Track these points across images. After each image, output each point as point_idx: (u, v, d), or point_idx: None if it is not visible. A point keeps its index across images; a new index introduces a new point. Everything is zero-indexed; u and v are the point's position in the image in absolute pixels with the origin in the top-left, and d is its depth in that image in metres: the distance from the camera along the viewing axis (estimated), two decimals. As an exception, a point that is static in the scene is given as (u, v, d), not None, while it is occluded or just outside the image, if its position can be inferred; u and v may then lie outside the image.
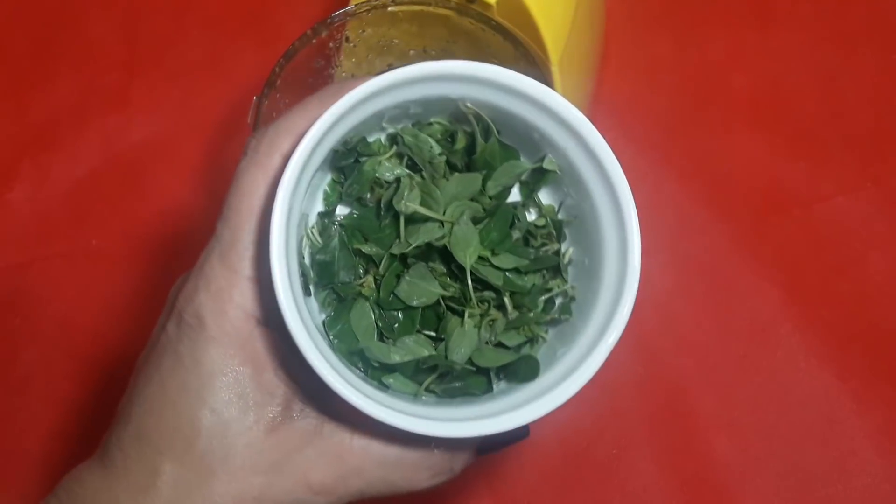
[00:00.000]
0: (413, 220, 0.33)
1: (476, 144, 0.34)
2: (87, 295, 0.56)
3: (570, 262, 0.34)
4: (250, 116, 0.44)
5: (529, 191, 0.35)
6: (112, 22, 0.61)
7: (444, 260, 0.33)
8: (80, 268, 0.56)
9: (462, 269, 0.32)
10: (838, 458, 0.50)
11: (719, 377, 0.52)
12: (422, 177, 0.34)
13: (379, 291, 0.33)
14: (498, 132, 0.34)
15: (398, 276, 0.33)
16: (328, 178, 0.35)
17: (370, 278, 0.33)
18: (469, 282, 0.32)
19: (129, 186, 0.58)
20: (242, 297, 0.31)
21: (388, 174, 0.34)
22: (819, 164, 0.56)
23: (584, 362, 0.31)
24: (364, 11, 0.46)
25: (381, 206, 0.33)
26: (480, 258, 0.33)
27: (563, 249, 0.35)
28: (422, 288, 0.32)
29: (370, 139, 0.34)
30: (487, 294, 0.33)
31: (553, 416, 0.51)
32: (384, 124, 0.34)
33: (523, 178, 0.35)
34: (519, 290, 0.33)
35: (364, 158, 0.34)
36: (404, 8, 0.46)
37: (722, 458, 0.50)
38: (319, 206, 0.35)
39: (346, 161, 0.34)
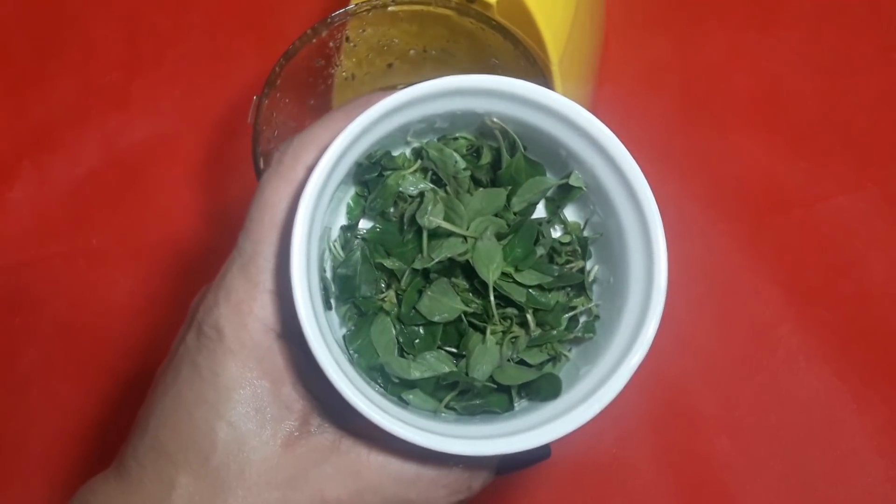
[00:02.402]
0: (436, 234, 0.33)
1: (502, 160, 0.34)
2: (87, 295, 0.56)
3: (594, 280, 0.34)
4: (250, 116, 0.44)
5: (555, 207, 0.35)
6: (112, 21, 0.61)
7: (466, 276, 0.33)
8: (79, 267, 0.56)
9: (485, 285, 0.32)
10: (839, 458, 0.50)
11: (720, 377, 0.52)
12: (446, 192, 0.34)
13: (400, 306, 0.33)
14: (524, 148, 0.34)
15: (420, 292, 0.32)
16: (352, 191, 0.34)
17: (392, 293, 0.33)
18: (492, 298, 0.32)
19: (129, 186, 0.57)
20: (263, 309, 0.31)
21: (411, 188, 0.33)
22: (819, 164, 0.56)
23: (607, 382, 0.31)
24: (364, 11, 0.46)
25: (405, 220, 0.33)
26: (504, 274, 0.32)
27: (588, 267, 0.34)
28: (444, 303, 0.32)
29: (395, 153, 0.34)
30: (510, 311, 0.33)
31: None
32: (409, 138, 0.34)
33: (549, 194, 0.35)
34: (542, 308, 0.33)
35: (388, 172, 0.34)
36: (405, 7, 0.46)
37: (722, 458, 0.50)
38: (343, 220, 0.34)
39: (371, 175, 0.34)
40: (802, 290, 0.53)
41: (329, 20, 0.45)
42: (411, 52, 0.49)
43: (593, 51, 0.54)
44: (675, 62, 0.59)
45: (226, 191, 0.56)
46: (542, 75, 0.44)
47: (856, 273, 0.54)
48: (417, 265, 0.32)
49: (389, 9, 0.46)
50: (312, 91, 0.48)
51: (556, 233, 0.35)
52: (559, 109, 0.32)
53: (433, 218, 0.32)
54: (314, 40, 0.45)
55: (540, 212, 0.35)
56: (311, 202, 0.30)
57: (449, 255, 0.32)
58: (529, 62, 0.44)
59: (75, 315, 0.56)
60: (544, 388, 0.32)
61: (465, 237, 0.32)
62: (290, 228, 0.29)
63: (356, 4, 0.46)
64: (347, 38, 0.47)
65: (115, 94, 0.59)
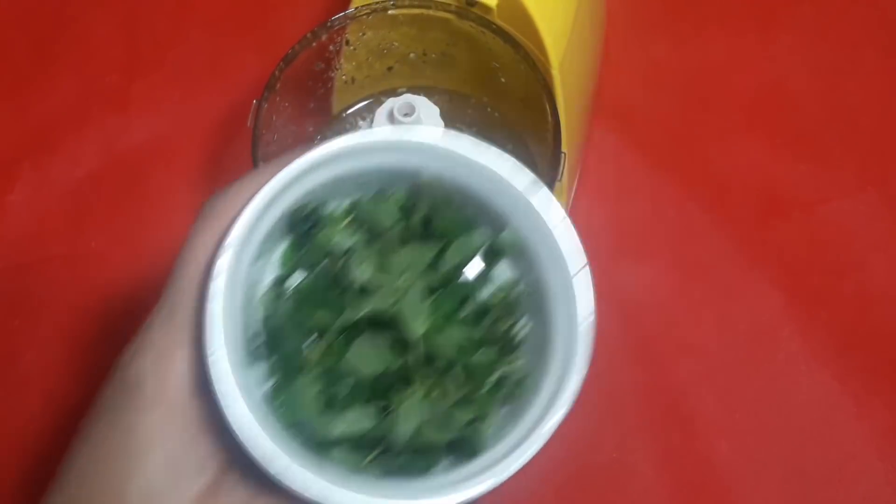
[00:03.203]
0: (365, 288, 0.32)
1: (434, 217, 0.34)
2: (87, 297, 0.56)
3: (524, 338, 0.34)
4: (250, 119, 0.44)
5: (487, 265, 0.35)
6: (112, 23, 0.61)
7: (393, 330, 0.33)
8: (79, 270, 0.56)
9: (411, 340, 0.32)
10: (839, 461, 0.50)
11: (720, 380, 0.52)
12: (377, 247, 0.34)
13: (326, 361, 0.32)
14: (458, 204, 0.34)
15: (346, 346, 0.32)
16: (285, 243, 0.34)
17: (318, 347, 0.32)
18: (418, 353, 0.32)
19: (128, 188, 0.57)
20: (183, 363, 0.30)
21: (343, 242, 0.34)
22: (820, 167, 0.56)
23: (526, 442, 0.30)
24: (364, 14, 0.46)
25: (334, 274, 0.33)
26: (430, 330, 0.32)
27: (518, 325, 0.34)
28: (369, 358, 0.32)
29: (329, 206, 0.34)
30: (436, 367, 0.33)
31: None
32: (344, 193, 0.34)
33: (482, 251, 0.35)
34: (469, 365, 0.33)
35: (320, 226, 0.34)
36: (404, 11, 0.46)
37: (723, 461, 0.50)
38: (274, 272, 0.34)
39: (302, 228, 0.34)
40: (803, 292, 0.53)
41: (329, 23, 0.45)
42: (411, 55, 0.49)
43: (594, 54, 0.53)
44: (676, 65, 0.59)
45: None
46: (542, 79, 0.44)
47: (856, 276, 0.54)
48: (344, 319, 0.32)
49: (389, 12, 0.46)
50: (312, 94, 0.48)
51: (488, 291, 0.35)
52: (491, 167, 0.32)
53: (362, 271, 0.32)
54: (314, 44, 0.45)
55: (473, 269, 0.35)
56: (231, 255, 0.30)
57: (376, 309, 0.32)
58: (529, 66, 0.44)
59: (75, 317, 0.56)
60: (468, 447, 0.32)
61: (393, 291, 0.32)
62: (209, 281, 0.30)
63: (356, 8, 0.46)
64: (347, 42, 0.47)
65: (114, 96, 0.59)
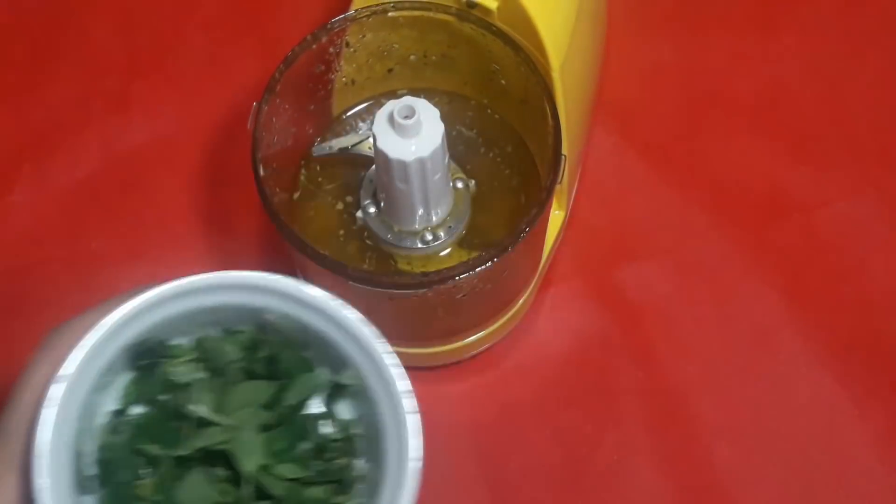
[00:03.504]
0: (201, 423, 0.33)
1: (278, 355, 0.35)
2: (88, 298, 0.56)
3: (359, 476, 0.35)
4: (250, 121, 0.44)
5: (328, 403, 0.36)
6: (112, 25, 0.61)
7: (228, 466, 0.33)
8: (79, 271, 0.56)
9: (243, 475, 0.33)
10: (840, 464, 0.50)
11: (720, 383, 0.52)
12: (218, 383, 0.34)
13: (158, 494, 0.33)
14: (300, 345, 0.35)
15: (178, 480, 0.33)
16: (128, 376, 0.35)
17: (150, 481, 0.33)
18: (249, 490, 0.33)
19: (129, 190, 0.57)
20: (12, 489, 0.31)
21: (184, 377, 0.34)
22: (821, 169, 0.56)
23: None
24: (364, 17, 0.46)
25: (174, 407, 0.34)
26: (263, 466, 0.33)
27: (354, 465, 0.35)
28: (199, 493, 0.33)
29: (174, 342, 0.35)
30: (269, 503, 0.33)
31: (553, 419, 0.51)
32: (189, 329, 0.35)
33: (322, 391, 0.36)
34: (300, 502, 0.33)
35: (163, 360, 0.34)
36: (405, 13, 0.46)
37: (723, 464, 0.50)
38: (114, 404, 0.35)
39: (145, 361, 0.34)
40: (803, 295, 0.53)
41: (329, 25, 0.45)
42: (411, 57, 0.49)
43: (594, 56, 0.53)
44: (677, 67, 0.59)
45: (225, 196, 0.56)
46: (542, 81, 0.44)
47: (857, 278, 0.54)
48: (177, 452, 0.33)
49: (389, 14, 0.46)
50: (312, 97, 0.48)
51: (329, 429, 0.36)
52: (326, 309, 0.34)
53: (198, 406, 0.33)
54: (314, 46, 0.45)
55: (315, 408, 0.36)
56: (65, 385, 0.31)
57: (208, 444, 0.33)
58: (530, 68, 0.44)
59: (75, 319, 0.56)
60: None
61: (229, 427, 0.33)
62: (39, 410, 0.30)
63: (356, 10, 0.46)
64: (347, 44, 0.47)
65: (114, 97, 0.59)
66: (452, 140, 0.49)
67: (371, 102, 0.51)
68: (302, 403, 0.35)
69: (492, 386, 0.52)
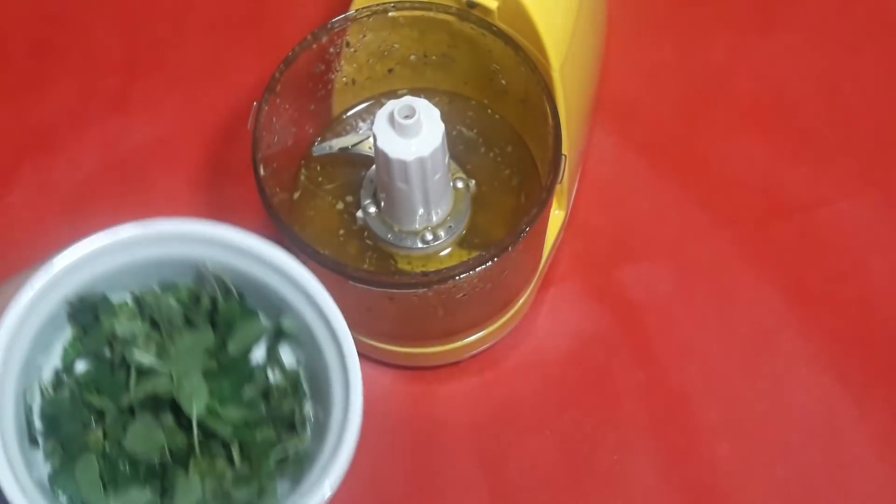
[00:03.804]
0: (145, 373, 0.34)
1: (218, 304, 0.35)
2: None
3: (307, 418, 0.36)
4: (250, 121, 0.44)
5: (271, 350, 0.37)
6: (112, 25, 0.61)
7: (174, 413, 0.34)
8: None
9: (190, 420, 0.33)
10: (840, 464, 0.50)
11: (721, 383, 0.52)
12: (162, 333, 0.35)
13: (106, 443, 0.33)
14: (240, 294, 0.36)
15: (125, 428, 0.33)
16: (70, 332, 0.35)
17: (99, 431, 0.34)
18: (195, 432, 0.33)
19: (129, 190, 0.57)
20: None
21: (126, 330, 0.35)
22: (821, 169, 0.56)
23: None
24: (365, 16, 0.46)
25: (117, 360, 0.34)
26: (209, 410, 0.33)
27: (304, 406, 0.36)
28: (147, 438, 0.33)
29: (115, 298, 0.35)
30: (215, 446, 0.34)
31: (553, 419, 0.51)
32: (129, 284, 0.35)
33: (266, 338, 0.36)
34: (248, 443, 0.34)
35: (104, 315, 0.35)
36: (405, 13, 0.46)
37: (723, 464, 0.50)
38: (58, 361, 0.35)
39: (86, 317, 0.35)
40: (803, 295, 0.53)
41: (329, 25, 0.45)
42: (412, 57, 0.49)
43: (595, 55, 0.53)
44: (677, 66, 0.59)
45: (226, 195, 0.56)
46: (543, 81, 0.44)
47: (857, 278, 0.54)
48: (124, 401, 0.33)
49: (390, 14, 0.46)
50: (313, 96, 0.48)
51: (274, 375, 0.37)
52: (265, 256, 0.34)
53: (142, 355, 0.33)
54: (314, 46, 0.45)
55: (257, 354, 0.37)
56: (4, 342, 0.31)
57: (152, 391, 0.33)
58: (530, 68, 0.44)
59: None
60: None
61: (172, 373, 0.34)
62: None
63: (356, 10, 0.46)
64: (348, 44, 0.47)
65: (114, 98, 0.59)
66: (452, 140, 0.49)
67: (371, 102, 0.51)
68: (245, 350, 0.36)
69: (492, 386, 0.52)
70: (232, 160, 0.57)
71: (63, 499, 0.33)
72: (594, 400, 0.52)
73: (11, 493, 0.30)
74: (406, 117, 0.40)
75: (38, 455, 0.34)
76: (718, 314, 0.53)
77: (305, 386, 0.36)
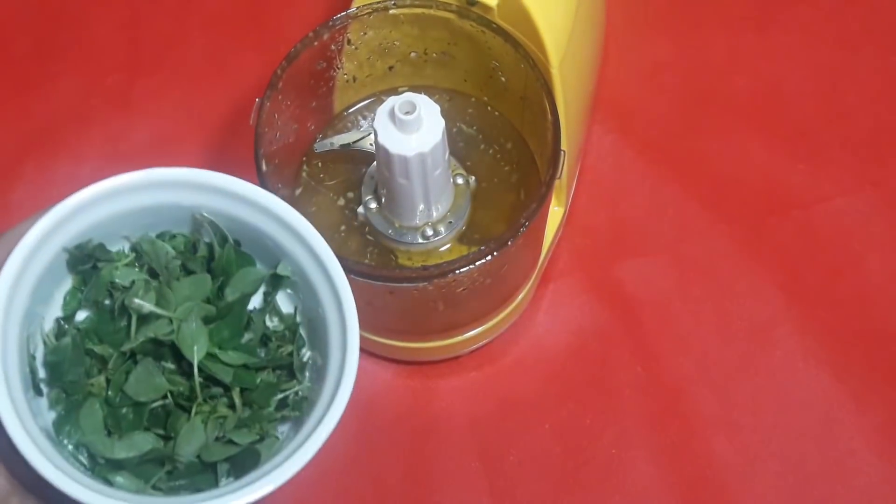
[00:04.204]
0: (145, 319, 0.34)
1: (215, 252, 0.36)
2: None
3: (306, 363, 0.36)
4: (252, 118, 0.44)
5: (268, 296, 0.37)
6: (114, 23, 0.61)
7: (175, 358, 0.34)
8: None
9: (191, 365, 0.34)
10: (837, 458, 0.50)
11: (718, 378, 0.52)
12: (159, 282, 0.35)
13: (109, 389, 0.34)
14: (236, 241, 0.36)
15: (128, 374, 0.34)
16: (69, 282, 0.36)
17: (101, 377, 0.34)
18: (196, 377, 0.34)
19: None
20: None
21: (125, 279, 0.35)
22: (818, 166, 0.57)
23: (298, 450, 0.32)
24: (366, 14, 0.46)
25: (117, 308, 0.35)
26: (210, 355, 0.34)
27: (300, 352, 0.36)
28: (149, 384, 0.33)
29: (112, 248, 0.36)
30: (216, 391, 0.35)
31: (552, 413, 0.51)
32: (126, 234, 0.36)
33: (262, 284, 0.37)
34: (249, 387, 0.35)
35: (102, 264, 0.35)
36: (406, 10, 0.46)
37: (721, 458, 0.50)
38: (58, 311, 0.36)
39: (85, 266, 0.35)
40: (801, 291, 0.54)
41: (330, 23, 0.46)
42: (412, 54, 0.49)
43: (594, 53, 0.54)
44: (675, 64, 0.59)
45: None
46: (542, 78, 0.44)
47: (854, 274, 0.54)
48: (124, 347, 0.34)
49: (391, 11, 0.46)
50: (314, 93, 0.49)
51: (272, 321, 0.37)
52: (263, 203, 0.34)
53: (142, 302, 0.34)
54: (316, 43, 0.46)
55: (255, 300, 0.37)
56: (5, 292, 0.31)
57: (154, 336, 0.33)
58: (529, 65, 0.45)
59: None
60: (246, 462, 0.34)
61: (171, 319, 0.34)
62: None
63: (357, 7, 0.46)
64: (349, 41, 0.47)
65: (117, 95, 0.59)
66: (453, 137, 0.49)
67: (372, 99, 0.51)
68: (243, 297, 0.36)
69: (491, 380, 0.52)
70: (234, 156, 0.57)
71: (68, 445, 0.33)
72: (593, 394, 0.52)
73: (19, 440, 0.30)
74: (407, 113, 0.41)
75: (43, 403, 0.34)
76: (716, 310, 0.54)
77: (303, 331, 0.37)
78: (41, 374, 0.34)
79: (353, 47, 0.48)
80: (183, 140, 0.58)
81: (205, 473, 0.34)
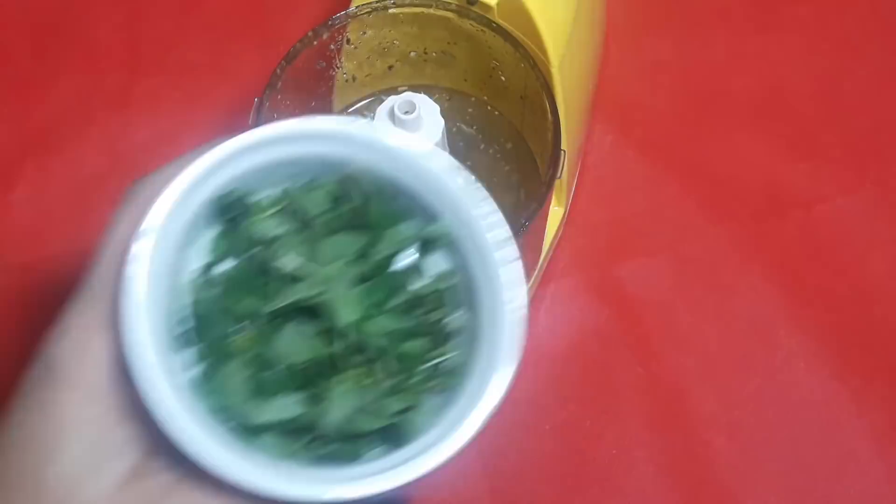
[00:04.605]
0: (293, 277, 0.32)
1: (366, 206, 0.34)
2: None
3: (457, 329, 0.34)
4: (251, 118, 0.44)
5: (419, 256, 0.35)
6: (114, 23, 0.61)
7: (321, 319, 0.33)
8: (82, 268, 0.56)
9: (339, 329, 0.32)
10: (838, 458, 0.50)
11: (719, 378, 0.52)
12: (306, 236, 0.33)
13: (254, 348, 0.32)
14: (388, 196, 0.34)
15: (274, 334, 0.32)
16: (213, 230, 0.34)
17: (246, 335, 0.32)
18: (347, 342, 0.32)
19: (131, 187, 0.58)
20: (103, 346, 0.30)
21: (271, 231, 0.33)
22: (819, 166, 0.57)
23: (456, 431, 0.30)
24: (365, 13, 0.46)
25: (263, 262, 0.33)
26: (360, 319, 0.32)
27: (450, 316, 0.34)
28: (297, 346, 0.32)
29: (259, 196, 0.34)
30: (365, 356, 0.33)
31: (553, 414, 0.51)
32: (273, 182, 0.34)
33: (413, 243, 0.35)
34: (398, 355, 0.33)
35: (249, 213, 0.34)
36: (405, 10, 0.46)
37: (721, 458, 0.50)
38: (202, 259, 0.34)
39: (231, 214, 0.33)
40: (801, 291, 0.54)
41: (330, 22, 0.46)
42: (412, 54, 0.49)
43: (594, 53, 0.54)
44: (675, 64, 0.59)
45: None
46: (542, 78, 0.44)
47: (855, 274, 0.54)
48: (272, 306, 0.32)
49: (390, 11, 0.46)
50: (313, 93, 0.49)
51: (420, 282, 0.35)
52: (419, 159, 0.32)
53: (290, 259, 0.32)
54: (315, 42, 0.46)
55: (405, 261, 0.35)
56: (150, 240, 0.30)
57: (304, 297, 0.32)
58: (529, 64, 0.45)
59: (77, 315, 0.56)
60: (397, 436, 0.32)
61: (321, 280, 0.32)
62: (125, 266, 0.29)
63: (357, 6, 0.46)
64: (348, 41, 0.47)
65: (117, 95, 0.59)
66: (452, 136, 0.49)
67: (372, 99, 0.51)
68: (392, 256, 0.34)
69: (492, 381, 0.52)
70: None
71: (209, 403, 0.31)
72: (593, 395, 0.52)
73: (161, 396, 0.28)
74: (406, 113, 0.41)
75: (182, 358, 0.32)
76: (717, 309, 0.53)
77: (454, 296, 0.34)
78: (183, 328, 0.32)
79: (353, 46, 0.48)
80: (182, 140, 0.58)
81: (351, 442, 0.32)
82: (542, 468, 0.50)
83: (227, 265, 0.33)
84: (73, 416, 0.29)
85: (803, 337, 0.52)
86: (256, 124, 0.43)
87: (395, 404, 0.32)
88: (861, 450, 0.50)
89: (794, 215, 0.55)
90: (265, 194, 0.34)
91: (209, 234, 0.34)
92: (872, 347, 0.52)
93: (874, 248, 0.55)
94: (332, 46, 0.47)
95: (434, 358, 0.33)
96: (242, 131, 0.41)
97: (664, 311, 0.54)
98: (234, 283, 0.33)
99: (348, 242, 0.33)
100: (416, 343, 0.33)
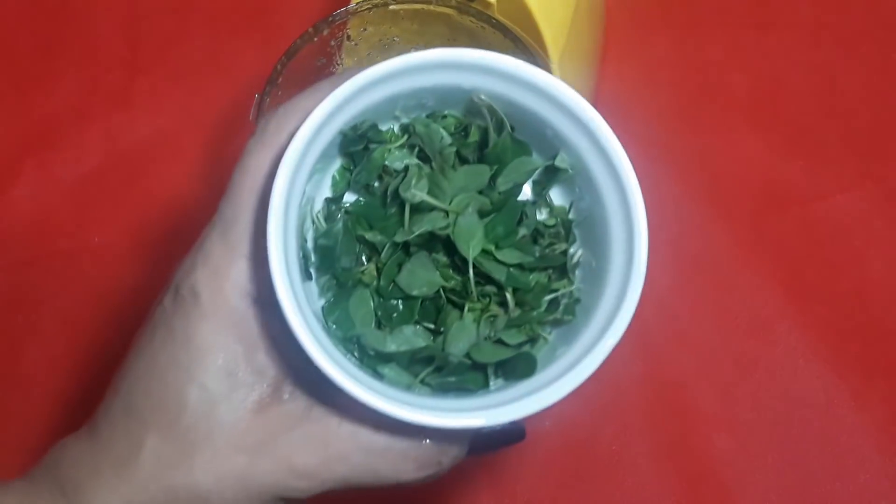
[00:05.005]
0: (419, 209, 0.32)
1: (489, 139, 0.34)
2: (90, 292, 0.57)
3: (577, 263, 0.34)
4: (252, 114, 0.44)
5: (541, 189, 0.35)
6: (115, 20, 0.62)
7: (447, 251, 0.33)
8: (82, 265, 0.57)
9: (465, 261, 0.32)
10: (837, 454, 0.50)
11: (718, 374, 0.52)
12: (431, 168, 0.33)
13: (380, 279, 0.32)
14: (512, 127, 0.33)
15: (400, 265, 0.32)
16: (338, 163, 0.34)
17: (372, 266, 0.33)
18: (471, 274, 0.32)
19: (131, 184, 0.58)
20: (239, 275, 0.31)
21: (397, 163, 0.33)
22: (818, 163, 0.57)
23: (581, 362, 0.31)
24: (365, 9, 0.46)
25: (388, 194, 0.33)
26: (484, 252, 0.32)
27: (572, 250, 0.34)
28: (422, 278, 0.32)
29: (383, 127, 0.34)
30: (489, 289, 0.33)
31: (553, 411, 0.51)
32: (398, 113, 0.34)
33: (535, 175, 0.34)
34: (522, 287, 0.33)
35: (374, 146, 0.34)
36: (405, 6, 0.46)
37: (721, 454, 0.50)
38: (328, 192, 0.34)
39: (356, 147, 0.33)
40: (801, 287, 0.54)
41: (330, 18, 0.46)
42: (412, 50, 0.49)
43: (593, 49, 0.54)
44: (675, 61, 0.59)
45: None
46: (546, 69, 0.44)
47: (854, 270, 0.54)
48: (398, 238, 0.32)
49: (390, 7, 0.46)
50: (314, 89, 0.49)
51: (543, 215, 0.35)
52: (546, 88, 0.32)
53: (416, 192, 0.32)
54: (315, 39, 0.46)
55: (526, 193, 0.35)
56: (290, 169, 0.30)
57: (429, 230, 0.32)
58: (530, 61, 0.45)
59: (78, 313, 0.57)
60: (520, 368, 0.32)
61: (446, 212, 0.32)
62: (268, 195, 0.30)
63: (357, 3, 0.46)
64: (349, 37, 0.47)
65: (117, 92, 0.60)
66: (452, 133, 0.49)
67: (372, 96, 0.51)
68: (517, 188, 0.34)
69: (492, 377, 0.53)
70: (234, 152, 0.57)
71: (336, 332, 0.32)
72: (593, 391, 0.52)
73: (295, 323, 0.29)
74: (407, 109, 0.41)
75: (313, 288, 0.33)
76: (716, 306, 0.54)
77: (577, 230, 0.34)
78: (312, 258, 0.33)
79: (353, 43, 0.48)
80: (183, 136, 0.58)
81: (474, 372, 0.33)
82: (542, 465, 0.50)
83: (352, 198, 0.34)
84: (211, 342, 0.31)
85: (803, 333, 0.53)
86: (257, 121, 0.44)
87: (516, 337, 0.32)
88: (860, 446, 0.50)
89: (793, 212, 0.56)
90: (391, 123, 0.34)
91: (335, 166, 0.34)
92: (871, 343, 0.53)
93: (873, 245, 0.55)
94: (332, 43, 0.47)
95: (554, 291, 0.33)
96: (250, 126, 0.41)
97: (664, 307, 0.54)
98: (361, 215, 0.33)
99: (474, 174, 0.33)
100: (538, 276, 0.33)
